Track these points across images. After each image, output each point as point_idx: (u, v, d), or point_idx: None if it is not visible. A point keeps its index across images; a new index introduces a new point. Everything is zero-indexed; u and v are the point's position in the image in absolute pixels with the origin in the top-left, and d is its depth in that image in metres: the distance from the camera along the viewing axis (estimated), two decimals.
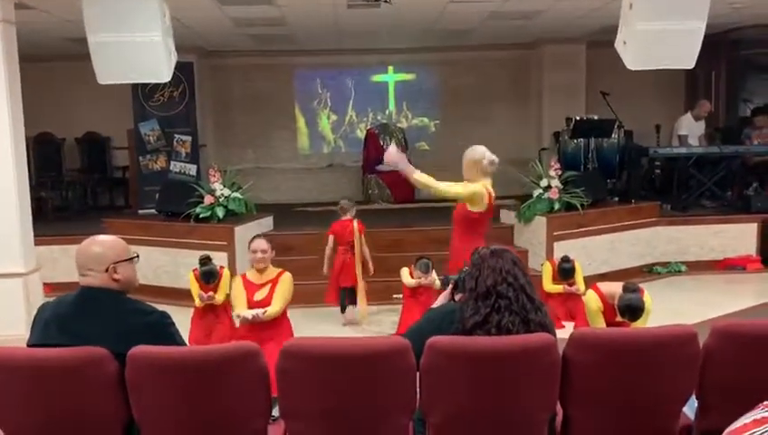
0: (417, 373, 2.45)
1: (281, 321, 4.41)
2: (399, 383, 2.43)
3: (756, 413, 1.60)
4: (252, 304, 4.32)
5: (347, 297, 6.12)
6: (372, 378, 2.41)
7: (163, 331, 2.51)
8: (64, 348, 2.40)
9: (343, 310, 6.20)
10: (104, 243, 2.55)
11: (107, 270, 2.49)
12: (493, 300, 2.43)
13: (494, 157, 4.34)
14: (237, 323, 4.61)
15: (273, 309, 4.28)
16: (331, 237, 6.12)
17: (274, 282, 4.40)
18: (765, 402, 1.61)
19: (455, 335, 2.47)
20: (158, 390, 2.41)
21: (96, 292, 2.49)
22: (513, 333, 2.41)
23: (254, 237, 4.58)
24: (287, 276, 4.45)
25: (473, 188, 4.32)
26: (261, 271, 4.42)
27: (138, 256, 2.60)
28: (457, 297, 2.82)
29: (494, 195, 4.39)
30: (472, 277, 2.50)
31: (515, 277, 2.46)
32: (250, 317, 4.20)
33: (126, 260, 2.54)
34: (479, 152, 4.37)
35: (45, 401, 2.41)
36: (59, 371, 2.40)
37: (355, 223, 6.08)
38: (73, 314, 2.48)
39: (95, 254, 2.50)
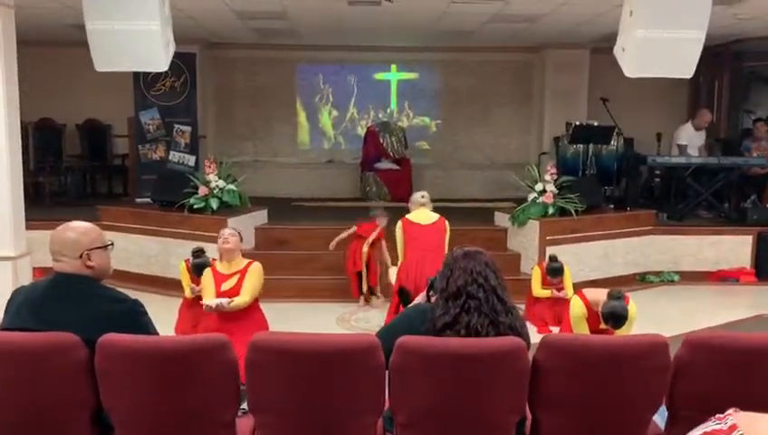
0: (387, 372, 2.45)
1: (251, 313, 4.34)
2: (367, 381, 2.43)
3: (708, 426, 1.60)
4: (219, 295, 4.27)
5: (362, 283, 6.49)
6: (340, 375, 2.41)
7: (135, 319, 2.51)
8: (35, 333, 2.40)
9: (361, 292, 6.49)
10: (78, 229, 2.54)
11: (80, 256, 2.49)
12: (463, 300, 2.42)
13: (416, 198, 5.62)
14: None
15: (241, 300, 4.22)
16: (354, 228, 6.54)
17: (243, 272, 4.35)
18: (718, 415, 1.61)
19: (426, 335, 2.47)
20: (126, 378, 2.41)
21: (69, 278, 2.49)
22: (483, 334, 2.41)
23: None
24: (256, 267, 4.39)
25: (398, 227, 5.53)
26: (229, 260, 4.39)
27: (112, 244, 2.60)
28: (433, 298, 2.81)
29: (417, 221, 5.45)
30: (443, 278, 2.49)
31: (486, 278, 2.45)
32: (213, 306, 4.16)
33: (100, 247, 2.54)
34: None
35: (14, 385, 2.42)
36: (29, 355, 2.41)
37: (379, 228, 6.44)
38: (46, 300, 2.48)
39: (69, 240, 2.50)
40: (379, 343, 2.39)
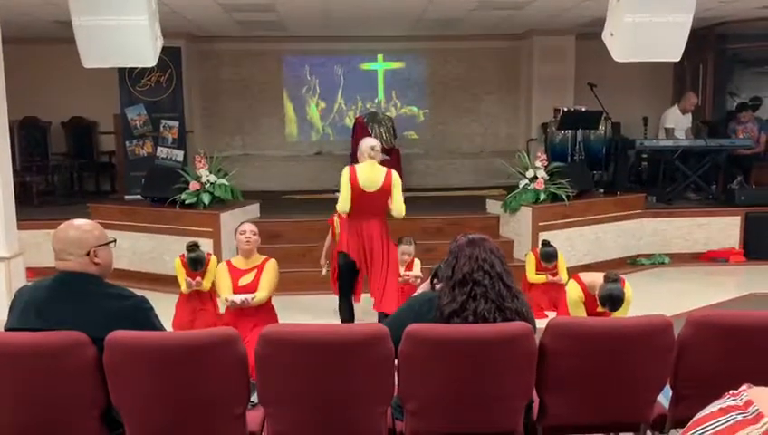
0: (396, 361, 2.47)
1: (267, 308, 4.44)
2: (377, 371, 2.44)
3: (723, 402, 1.62)
4: (237, 290, 4.34)
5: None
6: (350, 365, 2.42)
7: (142, 316, 2.51)
8: (42, 332, 2.39)
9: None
10: (82, 227, 2.53)
11: (88, 254, 2.48)
12: (469, 288, 2.44)
13: (364, 148, 4.75)
14: (223, 308, 4.60)
15: (261, 295, 4.31)
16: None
17: (260, 268, 4.42)
18: (732, 391, 1.63)
19: (433, 323, 2.49)
20: (135, 375, 2.41)
21: (75, 276, 2.48)
22: (490, 320, 2.43)
23: (243, 222, 4.63)
24: (273, 263, 4.48)
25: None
26: (247, 256, 4.43)
27: (115, 241, 2.60)
28: (437, 286, 2.84)
29: (365, 188, 4.62)
30: (449, 265, 2.51)
31: (492, 265, 2.47)
32: (239, 302, 4.21)
33: (104, 244, 2.54)
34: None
35: (22, 385, 2.41)
36: (36, 355, 2.40)
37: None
38: (52, 299, 2.47)
39: (75, 238, 2.49)
40: (388, 332, 2.41)
